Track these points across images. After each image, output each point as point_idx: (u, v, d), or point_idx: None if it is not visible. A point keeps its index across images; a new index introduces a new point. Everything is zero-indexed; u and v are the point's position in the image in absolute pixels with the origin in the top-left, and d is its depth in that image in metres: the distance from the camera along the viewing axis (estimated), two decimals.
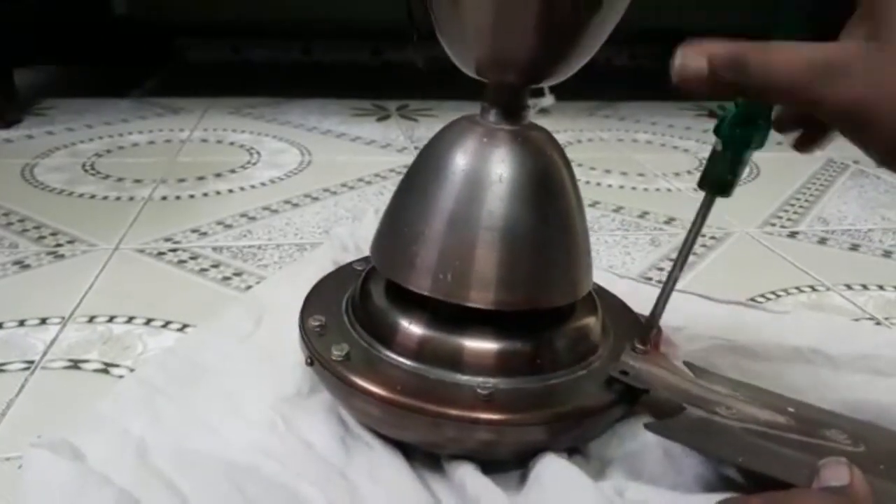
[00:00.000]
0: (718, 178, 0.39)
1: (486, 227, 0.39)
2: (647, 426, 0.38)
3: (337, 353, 0.41)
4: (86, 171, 0.88)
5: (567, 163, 0.43)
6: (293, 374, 0.46)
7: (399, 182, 0.45)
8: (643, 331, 0.45)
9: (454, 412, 0.38)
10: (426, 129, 1.10)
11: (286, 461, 0.39)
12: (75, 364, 0.49)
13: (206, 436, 0.41)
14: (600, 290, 0.49)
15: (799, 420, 0.41)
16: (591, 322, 0.45)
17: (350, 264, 0.53)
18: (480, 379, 0.40)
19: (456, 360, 0.41)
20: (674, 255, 0.70)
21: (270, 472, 0.38)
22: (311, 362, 0.42)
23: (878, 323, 0.60)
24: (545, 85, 0.41)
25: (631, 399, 0.42)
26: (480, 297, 0.40)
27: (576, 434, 0.41)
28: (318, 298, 0.48)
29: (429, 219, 0.40)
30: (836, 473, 0.32)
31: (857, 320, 0.60)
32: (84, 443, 0.39)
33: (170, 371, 0.47)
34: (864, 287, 0.66)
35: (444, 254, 0.40)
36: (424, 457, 0.41)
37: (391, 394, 0.39)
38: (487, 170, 0.40)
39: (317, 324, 0.44)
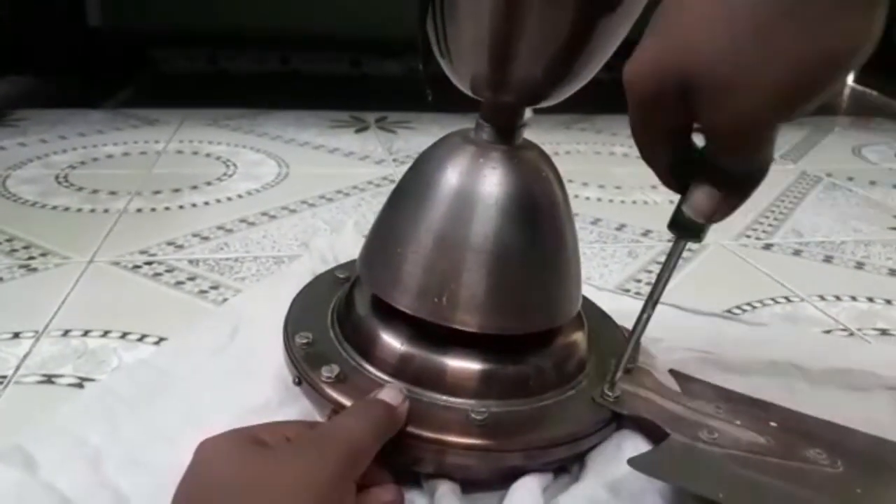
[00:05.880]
0: (691, 221, 0.36)
1: (479, 250, 0.39)
2: (630, 462, 0.38)
3: (327, 374, 0.41)
4: (59, 182, 0.86)
5: (561, 182, 0.42)
6: (263, 387, 0.46)
7: (389, 196, 0.44)
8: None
9: (450, 438, 0.38)
10: (405, 142, 1.10)
11: None
12: (49, 378, 0.49)
13: (163, 446, 0.41)
14: (583, 301, 0.50)
15: (779, 438, 0.41)
16: (579, 338, 0.45)
17: (332, 272, 0.52)
18: (473, 402, 0.40)
19: (448, 383, 0.40)
20: (651, 267, 0.70)
21: None
22: (299, 382, 0.42)
23: (851, 334, 0.61)
24: (542, 105, 0.41)
25: (619, 416, 0.42)
26: (475, 321, 0.39)
27: (565, 456, 0.40)
28: (303, 311, 0.47)
29: (421, 238, 0.40)
30: (391, 395, 0.38)
31: (830, 331, 0.61)
32: (38, 451, 0.39)
33: (137, 382, 0.47)
34: (838, 298, 0.67)
35: (438, 276, 0.39)
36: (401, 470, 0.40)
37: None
38: (481, 190, 0.39)
39: (304, 341, 0.43)
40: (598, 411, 0.41)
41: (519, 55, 0.37)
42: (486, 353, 0.41)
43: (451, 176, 0.40)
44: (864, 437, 0.43)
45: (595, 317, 0.50)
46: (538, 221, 0.40)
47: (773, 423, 0.42)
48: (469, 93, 0.41)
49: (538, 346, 0.42)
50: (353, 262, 0.51)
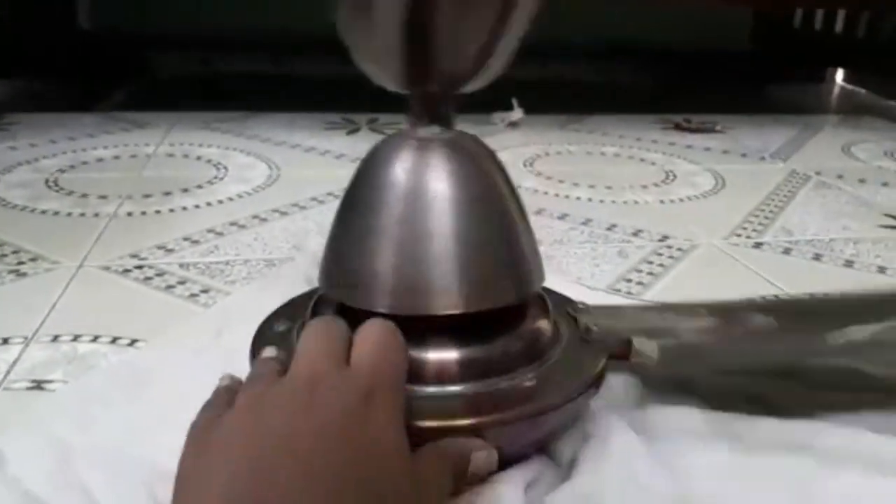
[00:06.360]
0: None
1: (432, 237, 0.40)
2: (635, 367, 0.44)
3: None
4: (49, 186, 0.86)
5: (501, 166, 0.44)
6: None
7: (339, 206, 0.44)
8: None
9: (433, 424, 0.38)
10: None
11: None
12: (38, 384, 0.48)
13: (133, 442, 0.41)
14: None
15: (717, 318, 0.48)
16: (544, 321, 0.45)
17: (270, 322, 0.49)
18: (451, 388, 0.40)
19: (431, 374, 0.40)
20: (641, 267, 0.71)
21: None
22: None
23: None
24: (467, 90, 0.42)
25: (597, 385, 0.42)
26: (439, 305, 0.40)
27: (546, 430, 0.41)
28: (269, 332, 0.46)
29: (377, 237, 0.40)
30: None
31: None
32: (7, 445, 0.40)
33: (115, 380, 0.47)
34: (827, 296, 0.67)
35: (397, 270, 0.40)
36: None
37: None
38: (427, 181, 0.40)
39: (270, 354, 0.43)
40: (589, 364, 0.43)
41: (442, 43, 0.38)
42: (458, 339, 0.41)
43: (398, 172, 0.41)
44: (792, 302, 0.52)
45: (555, 298, 0.50)
46: (485, 204, 0.41)
47: (702, 311, 0.49)
48: (393, 88, 0.42)
49: (509, 326, 0.43)
50: (286, 307, 0.50)
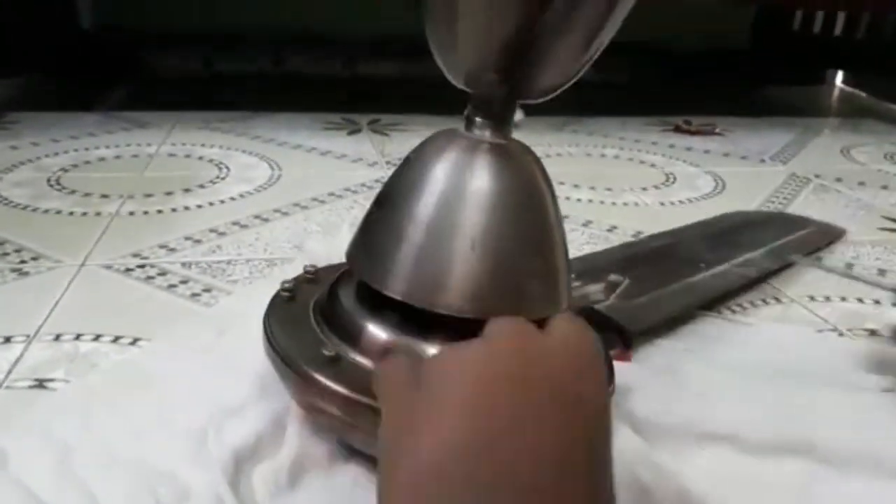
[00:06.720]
0: None
1: (462, 237, 0.39)
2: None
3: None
4: (51, 185, 0.86)
5: (548, 180, 0.43)
6: (241, 386, 0.46)
7: (380, 189, 0.44)
8: None
9: None
10: (398, 144, 1.10)
11: (207, 469, 0.39)
12: (41, 383, 0.49)
13: (133, 443, 0.41)
14: None
15: (594, 276, 0.60)
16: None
17: (277, 293, 0.49)
18: None
19: None
20: None
21: (188, 479, 0.38)
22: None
23: (841, 334, 0.61)
24: (535, 100, 0.42)
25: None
26: (453, 306, 0.39)
27: None
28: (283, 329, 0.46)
29: (409, 225, 0.40)
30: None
31: (820, 331, 0.61)
32: (9, 445, 0.40)
33: (116, 379, 0.47)
34: (827, 299, 0.67)
35: (425, 263, 0.40)
36: (366, 467, 0.41)
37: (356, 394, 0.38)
38: (471, 182, 0.40)
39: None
40: None
41: (514, 44, 0.37)
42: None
43: (443, 169, 0.40)
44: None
45: None
46: (526, 214, 0.41)
47: (572, 275, 0.58)
48: (460, 85, 0.41)
49: None
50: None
